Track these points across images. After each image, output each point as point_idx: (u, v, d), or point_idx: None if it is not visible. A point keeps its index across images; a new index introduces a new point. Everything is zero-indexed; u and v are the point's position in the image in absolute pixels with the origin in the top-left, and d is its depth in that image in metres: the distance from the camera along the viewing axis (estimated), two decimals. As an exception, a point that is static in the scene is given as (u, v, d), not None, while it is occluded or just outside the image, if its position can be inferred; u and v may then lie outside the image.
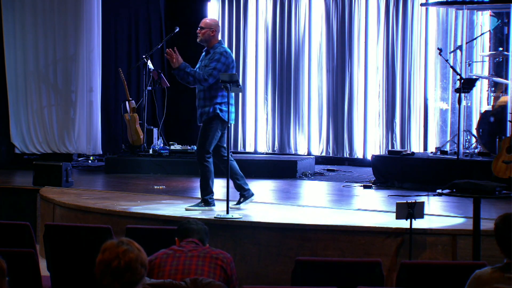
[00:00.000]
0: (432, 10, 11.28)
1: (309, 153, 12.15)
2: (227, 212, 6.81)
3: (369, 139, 11.84)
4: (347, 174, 10.85)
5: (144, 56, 10.74)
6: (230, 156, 7.26)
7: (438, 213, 7.23)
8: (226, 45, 12.42)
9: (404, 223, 6.10)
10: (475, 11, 10.70)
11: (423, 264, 5.23)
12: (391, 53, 11.61)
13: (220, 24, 12.48)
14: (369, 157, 11.18)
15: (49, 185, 8.78)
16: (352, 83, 11.90)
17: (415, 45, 11.47)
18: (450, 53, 10.46)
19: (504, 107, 9.23)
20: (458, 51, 10.17)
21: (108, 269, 3.07)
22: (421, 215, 5.99)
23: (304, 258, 5.17)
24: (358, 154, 11.93)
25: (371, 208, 7.61)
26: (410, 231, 6.09)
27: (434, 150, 10.31)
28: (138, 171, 10.62)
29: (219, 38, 7.31)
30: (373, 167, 9.76)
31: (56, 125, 11.44)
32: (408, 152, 10.01)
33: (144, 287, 3.33)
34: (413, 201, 5.98)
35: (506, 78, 9.58)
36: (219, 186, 7.76)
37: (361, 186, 9.43)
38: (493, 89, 9.76)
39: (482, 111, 9.91)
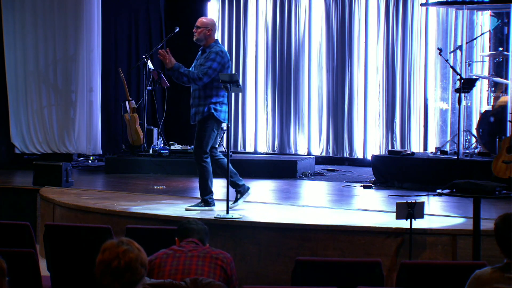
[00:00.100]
0: (432, 10, 11.28)
1: (309, 153, 12.15)
2: (227, 212, 6.81)
3: (369, 139, 11.84)
4: (347, 174, 10.85)
5: (144, 56, 10.74)
6: (221, 155, 7.25)
7: (438, 213, 7.23)
8: (226, 45, 12.55)
9: (404, 223, 6.10)
10: (475, 11, 10.71)
11: (423, 264, 5.23)
12: (391, 53, 11.62)
13: (219, 24, 12.58)
14: (369, 157, 11.18)
15: (49, 185, 8.78)
16: (352, 83, 11.90)
17: (415, 45, 11.47)
18: (450, 53, 10.46)
19: (504, 107, 9.22)
20: (458, 51, 10.17)
21: (108, 269, 3.07)
22: (421, 215, 5.99)
23: (304, 258, 5.17)
24: (358, 154, 11.94)
25: (371, 208, 7.61)
26: (410, 231, 6.09)
27: (434, 150, 10.31)
28: (138, 171, 10.62)
29: (216, 37, 7.30)
30: (373, 167, 9.76)
31: (56, 125, 11.44)
32: (408, 152, 10.01)
33: (144, 287, 3.32)
34: (413, 201, 5.98)
35: (506, 78, 9.58)
36: (218, 186, 7.77)
37: (361, 186, 9.43)
38: (493, 89, 9.76)
39: (482, 111, 9.91)
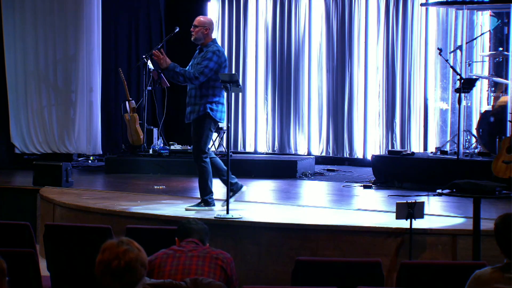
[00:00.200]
0: (432, 10, 11.28)
1: (309, 153, 12.15)
2: (227, 212, 6.81)
3: (369, 139, 11.85)
4: (347, 174, 10.85)
5: (144, 56, 10.74)
6: (212, 153, 7.25)
7: (438, 213, 7.23)
8: (226, 45, 12.55)
9: (404, 223, 6.10)
10: (475, 11, 10.71)
11: (423, 264, 5.23)
12: (391, 53, 11.62)
13: (219, 23, 12.58)
14: (369, 157, 11.19)
15: (49, 185, 8.78)
16: (352, 83, 11.91)
17: (415, 45, 11.47)
18: (450, 53, 10.46)
19: (504, 107, 9.22)
20: (458, 51, 10.17)
21: (108, 269, 3.07)
22: (421, 215, 5.99)
23: (304, 258, 5.17)
24: (358, 154, 11.94)
25: (371, 208, 7.61)
26: (410, 231, 6.09)
27: (434, 150, 10.31)
28: (138, 171, 10.62)
29: (214, 37, 7.30)
30: (373, 167, 9.77)
31: (56, 125, 11.44)
32: (408, 152, 10.01)
33: (144, 287, 3.32)
34: (413, 201, 5.98)
35: (506, 78, 9.58)
36: (218, 186, 7.76)
37: (361, 186, 9.42)
38: (493, 89, 9.76)
39: (482, 111, 9.91)
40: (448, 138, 10.63)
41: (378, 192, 9.04)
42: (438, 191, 6.34)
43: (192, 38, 7.25)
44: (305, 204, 8.10)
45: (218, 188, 7.71)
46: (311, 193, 9.37)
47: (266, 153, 12.43)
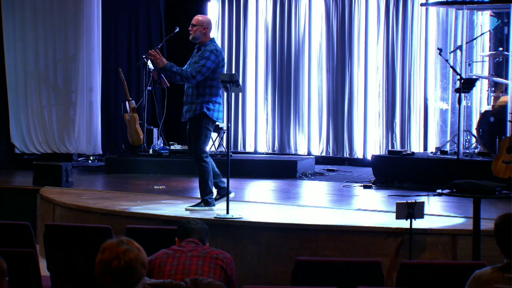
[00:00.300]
0: (432, 10, 11.28)
1: (309, 153, 12.15)
2: (227, 212, 6.80)
3: (369, 139, 11.85)
4: (347, 174, 10.85)
5: (144, 56, 10.74)
6: (208, 159, 7.22)
7: (438, 213, 7.23)
8: (226, 45, 12.55)
9: (404, 223, 6.10)
10: (475, 11, 10.71)
11: (423, 264, 5.23)
12: (391, 53, 11.62)
13: (219, 23, 12.58)
14: (369, 157, 11.19)
15: (49, 185, 8.78)
16: (352, 83, 11.91)
17: (415, 45, 11.47)
18: (450, 53, 10.46)
19: (504, 107, 9.22)
20: (458, 51, 10.17)
21: (108, 269, 3.07)
22: (421, 215, 5.99)
23: (304, 258, 5.17)
24: (358, 154, 11.94)
25: (371, 208, 7.61)
26: (410, 231, 6.08)
27: (434, 150, 10.31)
28: (138, 171, 10.62)
29: (212, 36, 7.29)
30: (373, 167, 9.76)
31: (56, 125, 11.44)
32: (408, 152, 10.01)
33: (144, 287, 3.32)
34: (413, 201, 5.97)
35: (506, 78, 9.58)
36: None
37: (361, 186, 9.42)
38: (493, 89, 9.76)
39: (482, 111, 9.91)
40: (448, 138, 10.63)
41: (378, 192, 9.04)
42: (438, 191, 6.34)
43: (190, 37, 7.25)
44: (305, 204, 8.09)
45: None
46: (311, 193, 9.37)
47: (266, 153, 12.43)
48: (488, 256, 5.57)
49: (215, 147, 11.47)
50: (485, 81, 10.26)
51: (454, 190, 5.93)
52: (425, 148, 11.34)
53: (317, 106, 12.21)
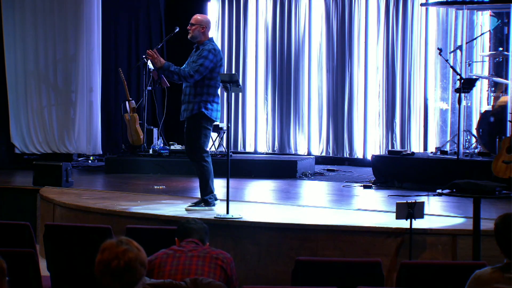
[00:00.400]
0: (432, 10, 11.28)
1: (309, 153, 12.15)
2: (227, 212, 6.80)
3: (369, 139, 11.85)
4: (347, 174, 10.85)
5: (144, 56, 10.72)
6: (209, 159, 7.22)
7: (438, 213, 7.23)
8: (226, 45, 12.55)
9: (404, 223, 6.10)
10: (475, 11, 10.71)
11: (423, 264, 5.23)
12: (391, 53, 11.62)
13: (219, 23, 12.58)
14: (369, 157, 11.19)
15: (49, 185, 8.78)
16: (352, 83, 11.91)
17: (415, 45, 11.47)
18: (450, 53, 10.46)
19: (504, 107, 9.22)
20: (458, 51, 10.17)
21: (107, 269, 3.06)
22: (421, 215, 5.99)
23: (304, 258, 5.17)
24: (358, 154, 11.94)
25: (371, 208, 7.61)
26: (410, 231, 6.09)
27: (434, 150, 10.31)
28: (138, 171, 10.62)
29: (211, 35, 7.29)
30: (373, 167, 9.76)
31: (56, 125, 11.44)
32: (408, 152, 10.01)
33: (144, 287, 3.32)
34: (413, 201, 5.97)
35: (506, 78, 9.58)
36: (218, 186, 7.76)
37: (361, 186, 9.42)
38: (493, 89, 9.76)
39: (482, 111, 9.91)
40: (448, 138, 10.63)
41: (378, 192, 9.04)
42: (438, 191, 6.34)
43: (188, 36, 7.25)
44: (305, 204, 8.09)
45: (218, 188, 7.71)
46: (311, 193, 9.36)
47: (266, 153, 12.43)
48: (488, 256, 5.57)
49: (215, 147, 11.47)
50: (485, 81, 10.26)
51: (454, 190, 5.93)
52: (425, 148, 11.34)
53: (317, 106, 12.21)
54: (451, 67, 9.36)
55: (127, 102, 11.09)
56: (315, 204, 7.99)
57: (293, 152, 12.25)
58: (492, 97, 9.70)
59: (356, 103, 11.90)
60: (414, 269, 4.81)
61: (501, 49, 10.02)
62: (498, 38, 10.57)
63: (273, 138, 12.46)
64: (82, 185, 9.11)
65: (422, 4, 10.99)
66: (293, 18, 12.26)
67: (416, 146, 11.42)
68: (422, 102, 11.48)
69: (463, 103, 9.47)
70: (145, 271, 3.15)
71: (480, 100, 10.77)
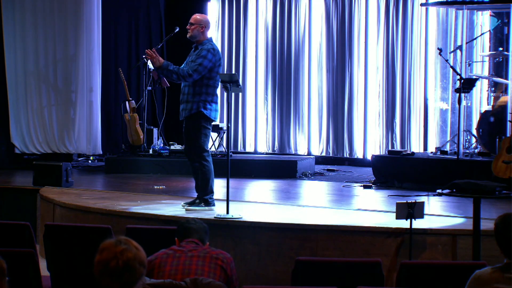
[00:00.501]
0: (432, 10, 11.28)
1: (309, 153, 12.15)
2: (227, 212, 6.80)
3: (369, 139, 11.85)
4: (347, 174, 10.85)
5: (144, 56, 10.70)
6: (209, 158, 7.21)
7: (438, 213, 7.23)
8: (226, 45, 12.55)
9: (404, 223, 6.10)
10: (475, 11, 10.71)
11: (423, 264, 5.23)
12: (391, 53, 11.62)
13: (219, 23, 12.58)
14: (369, 157, 11.19)
15: (49, 185, 8.78)
16: (352, 83, 11.91)
17: (415, 45, 11.48)
18: (450, 53, 10.47)
19: (504, 107, 9.22)
20: (458, 51, 10.17)
21: (106, 269, 3.06)
22: (421, 215, 5.99)
23: (304, 258, 5.17)
24: (358, 154, 11.94)
25: (371, 208, 7.61)
26: (410, 231, 6.08)
27: (434, 150, 10.31)
28: (138, 171, 10.61)
29: (210, 35, 7.29)
30: (373, 167, 9.76)
31: (56, 125, 11.44)
32: (408, 152, 10.01)
33: (144, 287, 3.32)
34: (413, 201, 5.97)
35: (506, 78, 9.58)
36: (218, 186, 7.76)
37: (361, 186, 9.42)
38: (493, 89, 9.76)
39: (482, 111, 9.92)
40: (448, 138, 10.63)
41: (378, 192, 9.04)
42: (438, 191, 6.34)
43: (188, 36, 7.26)
44: (305, 204, 8.09)
45: (218, 188, 7.71)
46: (311, 193, 9.36)
47: (266, 153, 12.43)
48: (488, 256, 5.57)
49: (215, 147, 11.47)
50: (485, 81, 10.26)
51: (454, 190, 5.93)
52: (425, 148, 11.34)
53: (317, 106, 12.21)
54: (451, 67, 9.36)
55: (127, 102, 11.09)
56: (315, 204, 7.99)
57: (293, 152, 12.25)
58: (492, 97, 9.70)
59: (356, 103, 11.90)
60: (414, 269, 4.81)
61: (501, 49, 10.02)
62: (498, 38, 10.57)
63: (273, 138, 12.46)
64: (82, 185, 9.11)
65: (422, 4, 10.99)
66: (293, 18, 12.25)
67: (416, 146, 11.42)
68: (422, 102, 11.48)
69: (463, 103, 9.47)
70: (144, 270, 3.14)
71: (480, 100, 10.77)
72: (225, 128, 11.03)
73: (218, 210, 7.07)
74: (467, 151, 9.52)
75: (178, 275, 4.24)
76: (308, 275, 4.69)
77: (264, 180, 10.02)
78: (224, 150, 11.33)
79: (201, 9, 12.51)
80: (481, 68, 10.69)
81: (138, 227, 6.11)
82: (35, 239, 5.72)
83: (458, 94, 8.85)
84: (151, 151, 10.92)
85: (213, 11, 12.66)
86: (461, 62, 10.07)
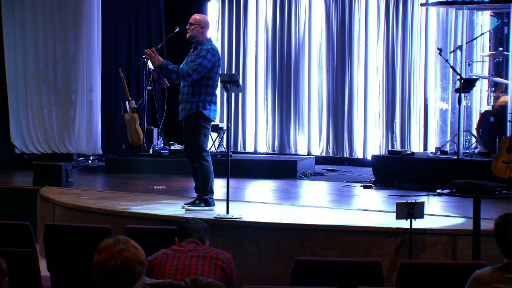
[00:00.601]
0: (432, 10, 11.28)
1: (309, 153, 12.15)
2: (227, 212, 6.80)
3: (369, 139, 11.85)
4: (347, 174, 10.85)
5: (144, 56, 10.66)
6: (209, 158, 7.21)
7: (438, 213, 7.23)
8: (226, 45, 12.55)
9: (404, 223, 6.10)
10: (475, 11, 10.71)
11: (423, 264, 5.23)
12: (391, 53, 11.62)
13: (219, 23, 12.58)
14: (369, 157, 11.19)
15: (49, 185, 8.78)
16: (352, 83, 11.91)
17: (415, 45, 11.48)
18: (450, 53, 10.47)
19: (504, 107, 9.22)
20: (458, 51, 10.17)
21: (105, 269, 3.05)
22: (421, 215, 5.99)
23: (304, 258, 5.17)
24: (358, 154, 11.94)
25: (371, 208, 7.61)
26: (410, 231, 6.08)
27: (434, 150, 10.31)
28: (138, 171, 10.62)
29: (209, 35, 7.29)
30: (373, 167, 9.76)
31: (56, 125, 11.44)
32: (408, 152, 10.01)
33: (144, 287, 3.32)
34: (413, 201, 5.97)
35: (506, 78, 9.58)
36: (218, 186, 7.76)
37: (361, 186, 9.42)
38: (493, 89, 9.76)
39: (482, 111, 9.92)
40: (448, 138, 10.63)
41: (378, 192, 9.04)
42: (438, 191, 6.34)
43: (187, 36, 7.26)
44: (305, 204, 8.09)
45: (218, 188, 7.71)
46: (311, 193, 9.36)
47: (266, 153, 12.43)
48: (488, 256, 5.57)
49: (215, 147, 11.47)
50: (485, 81, 10.26)
51: (454, 190, 5.93)
52: (425, 148, 11.34)
53: (317, 106, 12.21)
54: (451, 67, 9.36)
55: (127, 102, 11.09)
56: (315, 204, 7.99)
57: (293, 152, 12.25)
58: (492, 97, 9.70)
59: (356, 103, 11.90)
60: (414, 269, 4.81)
61: (501, 49, 10.02)
62: (498, 38, 10.57)
63: (273, 138, 12.46)
64: (82, 185, 9.11)
65: (422, 4, 10.99)
66: (293, 18, 12.26)
67: (416, 146, 11.42)
68: (422, 102, 11.48)
69: (463, 103, 9.47)
70: (144, 270, 3.14)
71: (480, 100, 10.77)
72: (225, 128, 11.03)
73: (218, 210, 7.07)
74: (467, 151, 9.52)
75: (178, 275, 4.24)
76: (308, 275, 4.69)
77: (264, 180, 10.02)
78: (224, 150, 11.33)
79: (201, 9, 12.51)
80: (481, 68, 10.69)
81: (138, 227, 6.11)
82: (35, 239, 5.72)
83: (458, 94, 8.85)
84: (151, 151, 10.92)
85: (213, 11, 12.66)
86: (461, 62, 10.07)
